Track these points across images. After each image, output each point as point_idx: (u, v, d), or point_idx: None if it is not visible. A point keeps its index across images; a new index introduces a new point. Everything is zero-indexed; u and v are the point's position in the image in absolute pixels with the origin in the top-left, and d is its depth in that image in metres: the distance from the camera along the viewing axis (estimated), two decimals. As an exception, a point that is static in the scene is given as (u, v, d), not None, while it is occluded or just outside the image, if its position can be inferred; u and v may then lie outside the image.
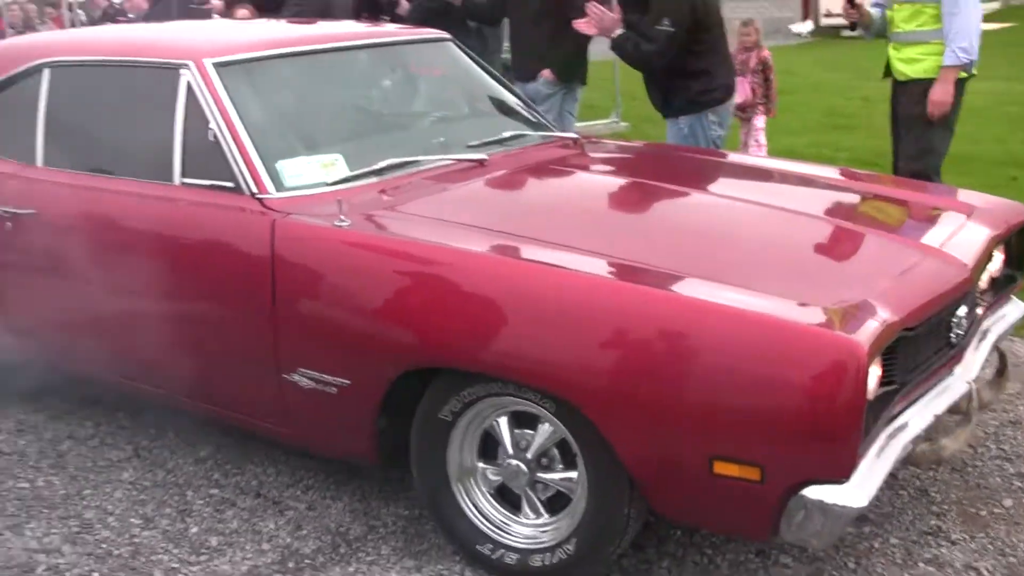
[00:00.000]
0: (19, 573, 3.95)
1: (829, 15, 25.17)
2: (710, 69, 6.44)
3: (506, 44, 9.02)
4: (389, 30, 5.70)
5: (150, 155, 4.38)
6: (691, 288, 3.36)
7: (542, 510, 3.72)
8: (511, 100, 5.38)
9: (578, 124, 8.71)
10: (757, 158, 7.51)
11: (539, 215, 4.08)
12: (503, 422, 3.68)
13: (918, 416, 3.46)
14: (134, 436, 4.97)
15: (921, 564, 3.82)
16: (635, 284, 3.39)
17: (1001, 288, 4.32)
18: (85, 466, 4.72)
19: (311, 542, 4.07)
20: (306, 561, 3.95)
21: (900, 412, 3.42)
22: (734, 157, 5.58)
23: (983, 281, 4.11)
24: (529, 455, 3.64)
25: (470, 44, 6.36)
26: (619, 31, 6.40)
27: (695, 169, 5.07)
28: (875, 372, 3.12)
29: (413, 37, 5.48)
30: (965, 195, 4.58)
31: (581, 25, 6.57)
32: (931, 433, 3.56)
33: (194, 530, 4.18)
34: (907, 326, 3.32)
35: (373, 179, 4.23)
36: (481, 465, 3.79)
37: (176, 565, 3.96)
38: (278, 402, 4.02)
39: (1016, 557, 3.84)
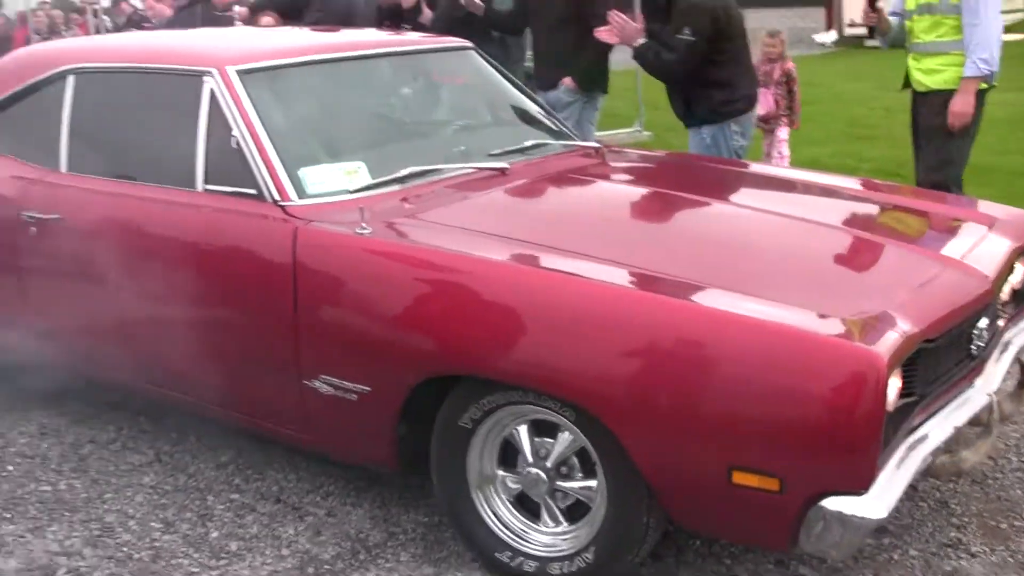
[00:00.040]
0: (40, 575, 3.99)
1: (853, 25, 25.03)
2: (732, 79, 6.45)
3: (529, 53, 9.05)
4: (412, 38, 5.71)
5: (173, 161, 4.40)
6: (711, 298, 3.36)
7: (561, 518, 3.72)
8: (533, 109, 5.39)
9: (601, 133, 8.72)
10: (778, 168, 7.49)
11: (560, 224, 4.09)
12: (523, 430, 3.68)
13: (938, 428, 3.45)
14: (156, 441, 4.99)
15: (940, 576, 3.82)
16: (655, 294, 3.40)
17: (1022, 300, 4.30)
18: (107, 470, 4.74)
19: (330, 548, 4.08)
20: (325, 567, 3.96)
21: (920, 424, 3.42)
22: (755, 167, 5.57)
23: (1004, 293, 4.09)
24: (549, 463, 3.65)
25: (492, 53, 6.38)
26: (641, 40, 6.41)
27: (716, 179, 5.07)
28: (895, 384, 3.12)
29: (435, 45, 5.50)
30: (986, 206, 4.58)
31: (603, 34, 6.58)
32: (951, 445, 3.54)
33: (214, 535, 4.19)
34: (927, 338, 3.32)
35: (395, 187, 4.24)
36: (501, 473, 3.79)
37: (196, 569, 3.97)
38: (299, 408, 4.04)
39: (1036, 570, 3.83)
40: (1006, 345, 4.05)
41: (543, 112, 5.40)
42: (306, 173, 4.14)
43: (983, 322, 3.72)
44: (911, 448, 3.31)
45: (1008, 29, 7.03)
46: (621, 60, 7.54)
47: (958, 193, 6.26)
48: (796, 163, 9.46)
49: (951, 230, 4.31)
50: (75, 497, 4.51)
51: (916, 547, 3.97)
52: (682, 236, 4.14)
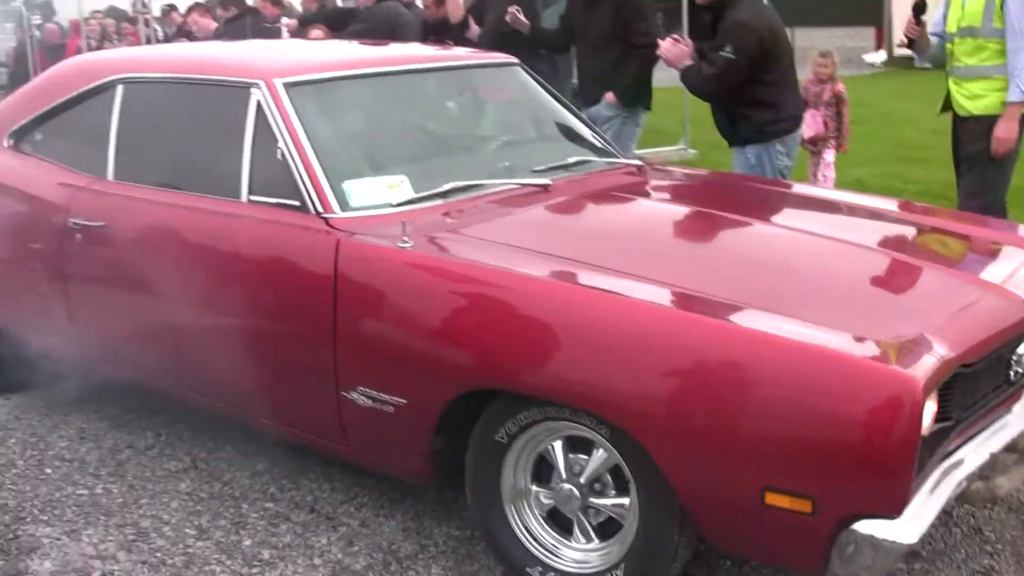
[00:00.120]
0: (76, 579, 4.03)
1: (902, 45, 24.96)
2: (778, 99, 6.44)
3: (574, 69, 9.08)
4: (458, 53, 5.75)
5: (218, 172, 4.44)
6: (749, 319, 3.35)
7: (593, 535, 3.72)
8: (577, 125, 5.40)
9: (646, 150, 8.72)
10: (820, 189, 7.46)
11: (600, 241, 4.09)
12: (558, 446, 3.69)
13: (974, 453, 3.43)
14: (193, 448, 5.04)
15: (973, 603, 3.80)
16: (693, 313, 3.40)
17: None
18: (143, 475, 4.79)
19: (362, 559, 4.10)
20: (358, 577, 4.00)
21: (956, 449, 3.40)
22: (797, 188, 5.57)
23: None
24: (582, 480, 3.65)
25: (540, 69, 6.41)
26: (688, 62, 6.43)
27: (758, 199, 5.06)
28: (931, 408, 3.10)
29: (481, 61, 5.53)
30: (1027, 231, 4.55)
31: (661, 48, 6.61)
32: (986, 471, 3.51)
33: (247, 543, 4.22)
34: (964, 362, 3.30)
35: (438, 201, 4.27)
36: (534, 488, 3.80)
37: (229, 576, 4.02)
38: (336, 420, 4.06)
39: (1071, 599, 3.81)
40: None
41: (587, 129, 5.41)
42: (350, 186, 4.17)
43: (1022, 348, 3.70)
44: (945, 473, 3.29)
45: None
46: (668, 78, 7.53)
47: (1001, 217, 6.21)
48: (842, 183, 9.40)
49: (991, 254, 4.29)
50: (111, 501, 4.56)
51: (948, 573, 3.94)
52: (721, 256, 4.14)
